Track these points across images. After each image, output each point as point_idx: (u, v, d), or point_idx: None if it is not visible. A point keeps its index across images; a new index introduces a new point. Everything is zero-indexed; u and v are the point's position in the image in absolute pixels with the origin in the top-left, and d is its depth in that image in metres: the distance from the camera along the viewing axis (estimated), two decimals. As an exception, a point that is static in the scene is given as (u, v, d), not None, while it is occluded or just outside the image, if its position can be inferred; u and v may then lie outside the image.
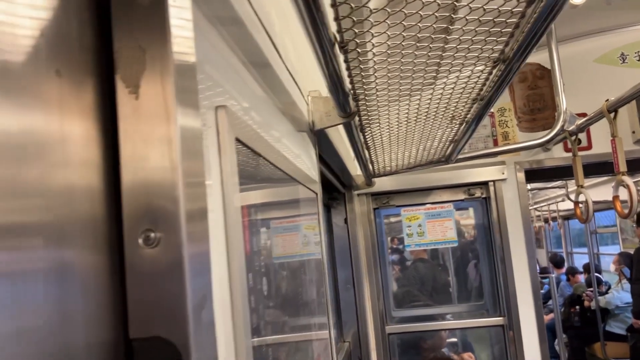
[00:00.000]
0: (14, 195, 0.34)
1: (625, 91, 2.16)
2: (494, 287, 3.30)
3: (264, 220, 0.92)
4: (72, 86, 0.41)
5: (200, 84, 0.58)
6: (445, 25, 0.95)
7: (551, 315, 6.30)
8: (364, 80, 1.17)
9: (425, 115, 1.58)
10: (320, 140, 1.65)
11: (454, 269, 3.68)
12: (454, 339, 3.53)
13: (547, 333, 3.26)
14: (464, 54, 1.09)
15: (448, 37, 0.99)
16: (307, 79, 1.37)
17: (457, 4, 0.87)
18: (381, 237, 3.45)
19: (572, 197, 2.88)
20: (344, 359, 2.59)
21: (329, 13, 0.80)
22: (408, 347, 3.45)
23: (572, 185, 5.41)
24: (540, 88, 3.25)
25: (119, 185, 0.44)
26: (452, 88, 1.33)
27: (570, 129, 2.84)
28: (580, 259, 9.10)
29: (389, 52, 1.02)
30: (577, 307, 6.85)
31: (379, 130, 1.71)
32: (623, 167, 2.34)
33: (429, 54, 1.06)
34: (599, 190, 5.39)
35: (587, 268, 7.46)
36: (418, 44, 1.00)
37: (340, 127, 1.64)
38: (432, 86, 1.30)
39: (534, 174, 3.29)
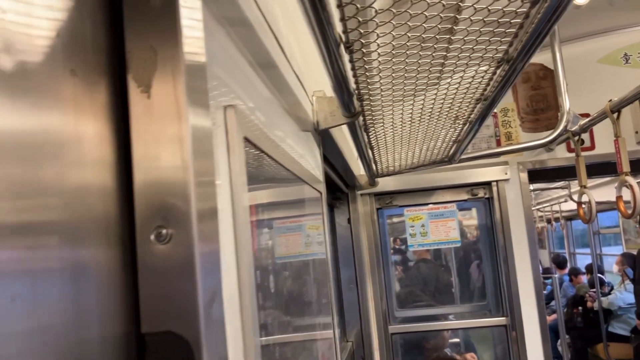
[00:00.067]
0: (33, 194, 0.35)
1: (629, 91, 2.16)
2: (497, 287, 3.30)
3: (270, 220, 0.93)
4: (86, 86, 0.42)
5: (209, 84, 0.59)
6: (450, 26, 0.95)
7: (554, 316, 6.30)
8: (368, 80, 1.17)
9: (429, 115, 1.58)
10: (325, 140, 1.66)
11: (456, 269, 3.69)
12: (457, 339, 3.53)
13: (550, 334, 3.26)
14: (468, 54, 1.10)
15: (452, 37, 1.00)
16: (312, 79, 1.37)
17: (461, 5, 0.87)
18: (384, 237, 3.46)
19: (575, 197, 2.88)
20: (347, 358, 2.59)
21: (335, 14, 0.80)
22: (411, 347, 3.45)
23: (574, 186, 5.41)
24: (543, 88, 3.25)
25: (131, 183, 0.45)
26: (456, 88, 1.34)
27: (573, 129, 2.85)
28: (582, 260, 9.10)
29: (393, 52, 1.02)
30: (580, 307, 6.85)
31: (382, 130, 1.72)
32: (626, 167, 2.34)
33: (434, 54, 1.07)
34: (602, 191, 5.39)
35: (589, 269, 7.45)
36: (423, 44, 1.01)
37: (344, 127, 1.65)
38: (436, 86, 1.31)
39: (537, 174, 3.29)
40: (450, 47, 1.05)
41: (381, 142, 1.92)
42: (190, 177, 0.45)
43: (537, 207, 9.33)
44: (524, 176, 3.21)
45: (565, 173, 3.29)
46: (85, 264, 0.40)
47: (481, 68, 1.22)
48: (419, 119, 1.60)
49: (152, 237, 0.45)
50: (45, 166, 0.36)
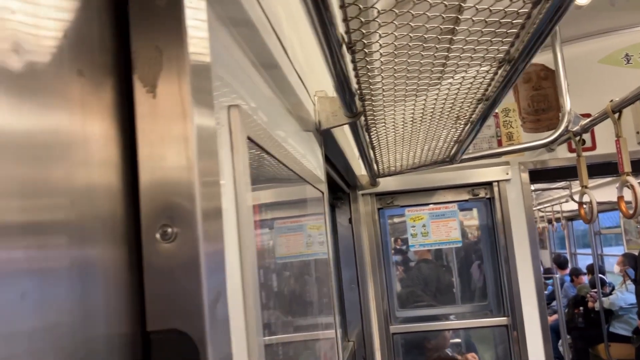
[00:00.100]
0: (41, 193, 0.35)
1: (630, 92, 2.16)
2: (498, 287, 3.31)
3: (273, 220, 0.93)
4: (92, 86, 0.42)
5: (213, 84, 0.59)
6: (452, 26, 0.95)
7: (555, 316, 6.29)
8: (370, 80, 1.18)
9: (431, 116, 1.59)
10: (326, 139, 1.66)
11: (457, 270, 3.69)
12: (458, 339, 3.53)
13: (551, 334, 3.27)
14: (469, 54, 1.10)
15: (454, 37, 1.00)
16: (314, 79, 1.38)
17: (463, 5, 0.88)
18: (385, 237, 3.46)
19: (576, 197, 2.89)
20: (348, 358, 2.60)
21: (338, 14, 0.81)
22: (412, 347, 3.46)
23: (575, 186, 5.41)
24: (544, 89, 3.25)
25: (137, 183, 0.46)
26: (458, 88, 1.34)
27: (575, 129, 2.85)
28: (584, 260, 9.10)
29: (395, 52, 1.03)
30: (581, 308, 6.84)
31: (384, 130, 1.72)
32: (627, 167, 2.34)
33: (435, 54, 1.07)
34: (603, 191, 5.39)
35: (590, 269, 7.45)
36: (424, 45, 1.01)
37: (346, 127, 1.65)
38: (437, 86, 1.31)
39: (538, 175, 3.29)
40: (452, 47, 1.05)
41: (382, 142, 1.92)
42: (195, 177, 0.45)
43: (538, 207, 9.33)
44: (525, 176, 3.21)
45: (567, 173, 3.30)
46: (91, 263, 0.41)
47: (482, 68, 1.22)
48: (421, 119, 1.61)
49: (158, 236, 0.45)
50: (53, 166, 0.37)
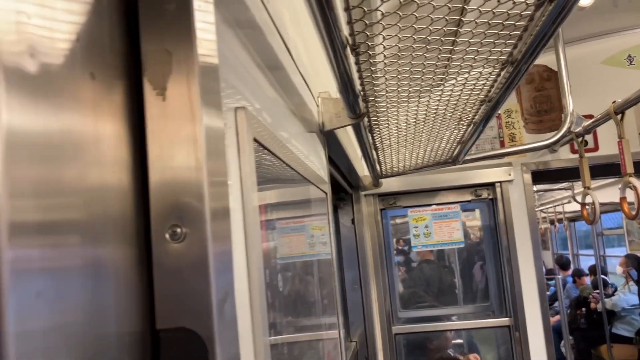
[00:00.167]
0: (55, 193, 0.36)
1: (632, 93, 2.16)
2: (500, 288, 3.31)
3: (277, 220, 0.94)
4: (104, 88, 0.43)
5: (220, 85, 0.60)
6: (455, 28, 0.96)
7: (557, 317, 6.30)
8: (374, 81, 1.18)
9: (434, 117, 1.59)
10: (329, 140, 1.67)
11: (460, 270, 3.69)
12: (460, 340, 3.54)
13: (553, 335, 3.27)
14: (472, 56, 1.11)
15: (457, 39, 1.01)
16: (318, 80, 1.39)
17: (467, 8, 0.88)
18: (388, 238, 3.47)
19: (579, 198, 2.89)
20: (351, 358, 2.60)
21: (342, 16, 0.81)
22: (414, 347, 3.46)
23: (578, 187, 5.41)
24: (547, 90, 3.25)
25: (146, 183, 0.46)
26: (461, 90, 1.35)
27: (577, 130, 2.85)
28: (586, 261, 9.08)
29: (399, 54, 1.03)
30: (583, 309, 6.84)
31: (387, 131, 1.73)
32: (630, 168, 2.35)
33: (438, 56, 1.08)
34: (606, 192, 5.38)
35: (593, 270, 7.44)
36: (428, 47, 1.02)
37: (349, 128, 1.66)
38: (440, 87, 1.32)
39: (541, 176, 3.29)
40: (455, 49, 1.06)
41: (385, 143, 1.93)
42: (204, 177, 0.46)
43: (541, 208, 9.32)
44: (528, 177, 3.21)
45: (569, 174, 3.30)
46: (103, 262, 0.41)
47: (485, 70, 1.23)
48: (424, 120, 1.61)
49: (167, 236, 0.46)
50: (66, 166, 0.38)
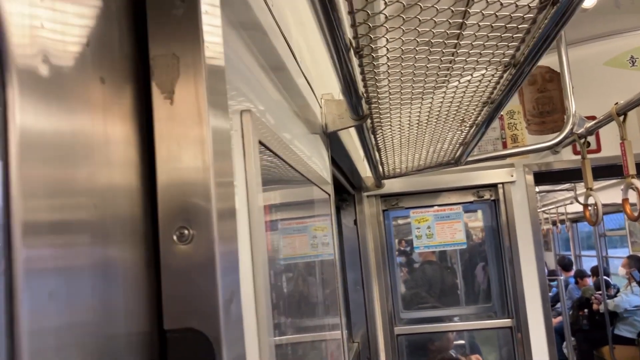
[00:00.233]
0: (67, 194, 0.36)
1: (635, 94, 2.17)
2: (502, 289, 3.31)
3: (281, 221, 0.94)
4: (113, 92, 0.44)
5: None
6: (458, 31, 0.97)
7: (559, 318, 6.28)
8: (377, 83, 1.19)
9: (436, 118, 1.60)
10: (332, 142, 1.67)
11: (462, 271, 3.69)
12: (462, 341, 3.54)
13: (556, 336, 3.26)
14: (475, 58, 1.11)
15: (460, 42, 1.01)
16: (321, 82, 1.39)
17: (470, 11, 0.89)
18: (390, 238, 3.47)
19: (581, 199, 2.89)
20: (353, 359, 2.61)
21: (346, 19, 0.82)
22: (416, 348, 3.46)
23: (580, 188, 5.41)
24: (549, 91, 3.26)
25: (154, 184, 0.47)
26: (463, 91, 1.35)
27: (580, 131, 2.85)
28: (588, 262, 9.07)
29: (402, 56, 1.04)
30: (586, 310, 6.83)
31: (390, 133, 1.73)
32: (632, 170, 2.35)
33: (441, 58, 1.08)
34: (608, 193, 5.38)
35: (595, 271, 7.43)
36: (431, 49, 1.02)
37: (352, 129, 1.67)
38: (443, 89, 1.32)
39: (543, 177, 3.30)
40: (458, 51, 1.06)
41: (388, 144, 1.94)
42: (211, 178, 0.47)
43: (543, 209, 9.32)
44: (530, 178, 3.21)
45: (571, 175, 3.30)
46: (112, 263, 0.42)
47: (488, 72, 1.23)
48: (426, 121, 1.62)
49: (175, 237, 0.46)
50: (77, 167, 0.38)
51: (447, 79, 1.23)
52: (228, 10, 0.68)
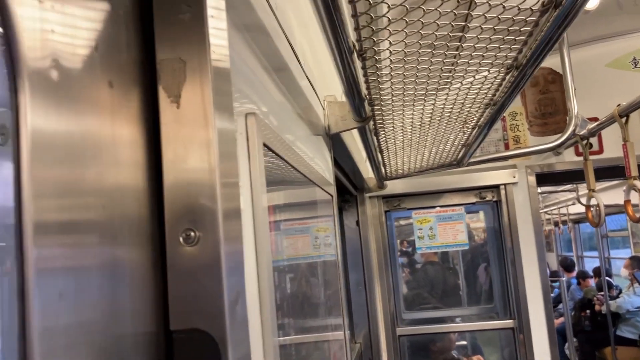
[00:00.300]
0: (77, 194, 0.37)
1: (637, 96, 2.17)
2: (504, 290, 3.31)
3: (284, 222, 0.95)
4: (121, 95, 0.44)
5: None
6: (461, 34, 0.97)
7: (561, 319, 6.28)
8: (379, 85, 1.20)
9: (439, 120, 1.60)
10: (335, 143, 1.68)
11: (464, 272, 3.70)
12: (464, 342, 3.54)
13: (558, 337, 3.26)
14: (478, 61, 1.11)
15: (463, 44, 1.02)
16: (323, 84, 1.40)
17: (472, 14, 0.89)
18: (392, 239, 3.47)
19: (583, 200, 2.89)
20: (355, 359, 2.61)
21: (349, 22, 0.83)
22: (418, 349, 3.47)
23: (582, 189, 5.40)
24: (551, 92, 3.26)
25: (161, 186, 0.48)
26: (466, 93, 1.35)
27: (582, 133, 2.85)
28: (590, 263, 9.06)
29: (405, 58, 1.04)
30: (588, 311, 6.82)
31: (392, 134, 1.74)
32: (635, 171, 2.35)
33: (444, 60, 1.09)
34: (610, 194, 5.37)
35: (597, 272, 7.42)
36: (434, 51, 1.03)
37: (354, 131, 1.67)
38: (445, 91, 1.33)
39: (545, 178, 3.30)
40: (461, 53, 1.07)
41: (391, 145, 1.94)
42: (216, 179, 0.47)
43: (545, 210, 9.31)
44: (532, 179, 3.22)
45: (573, 176, 3.30)
46: (120, 263, 0.43)
47: (490, 74, 1.23)
48: (429, 123, 1.62)
49: (181, 239, 0.47)
50: (86, 169, 0.39)
51: (449, 80, 1.23)
52: (232, 12, 0.69)
